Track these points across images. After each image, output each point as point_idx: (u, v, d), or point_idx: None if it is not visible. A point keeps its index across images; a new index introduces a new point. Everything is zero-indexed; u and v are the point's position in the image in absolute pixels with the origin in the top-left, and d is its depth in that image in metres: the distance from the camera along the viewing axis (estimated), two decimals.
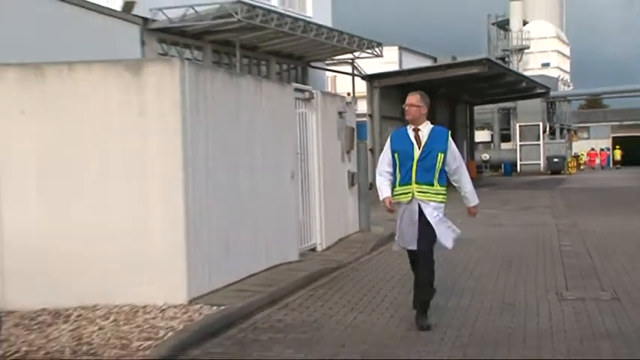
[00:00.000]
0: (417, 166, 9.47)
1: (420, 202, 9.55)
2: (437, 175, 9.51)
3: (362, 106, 35.69)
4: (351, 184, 18.65)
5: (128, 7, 24.89)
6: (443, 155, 9.52)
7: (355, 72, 40.06)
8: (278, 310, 11.10)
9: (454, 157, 9.76)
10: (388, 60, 42.20)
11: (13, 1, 16.26)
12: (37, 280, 10.63)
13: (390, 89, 40.43)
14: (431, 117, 41.57)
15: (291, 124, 14.96)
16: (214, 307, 10.55)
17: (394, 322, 10.31)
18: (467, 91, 49.22)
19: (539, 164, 65.27)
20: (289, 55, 36.36)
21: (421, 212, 9.59)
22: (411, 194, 9.54)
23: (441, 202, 9.82)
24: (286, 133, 14.59)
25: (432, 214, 9.58)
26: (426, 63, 49.89)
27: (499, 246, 17.93)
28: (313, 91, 17.30)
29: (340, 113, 18.04)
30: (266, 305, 11.21)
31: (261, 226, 13.07)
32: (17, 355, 8.80)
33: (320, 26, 34.54)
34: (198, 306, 10.65)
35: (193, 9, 28.53)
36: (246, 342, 9.43)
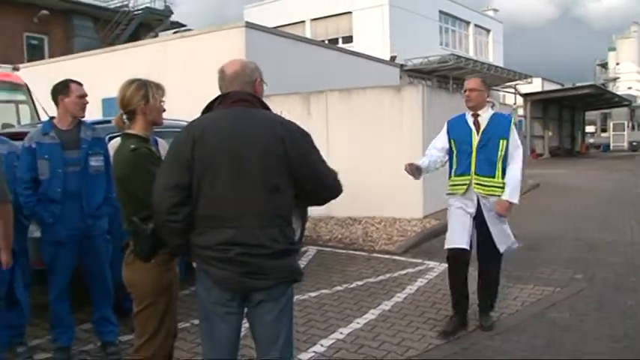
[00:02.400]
0: (476, 154, 5.06)
1: (479, 197, 5.02)
2: (499, 166, 5.02)
3: (520, 111, 35.03)
4: None
5: (392, 58, 24.91)
6: (505, 142, 5.04)
7: (516, 92, 38.22)
8: None
9: (516, 145, 5.12)
10: (535, 85, 40.12)
11: (338, 58, 16.48)
12: (346, 202, 10.74)
13: (536, 102, 38.74)
14: (559, 118, 38.53)
15: None
16: (437, 221, 10.27)
17: (542, 232, 9.81)
18: (581, 102, 45.71)
19: (624, 145, 60.46)
20: None
21: (479, 209, 5.02)
22: (467, 186, 5.04)
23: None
24: None
25: (492, 210, 5.00)
26: (557, 87, 46.76)
27: (599, 191, 16.59)
28: (494, 101, 16.69)
29: (509, 115, 17.26)
30: None
31: None
32: (336, 239, 9.10)
33: (496, 66, 33.21)
34: (428, 219, 10.45)
35: (427, 59, 28.21)
36: None
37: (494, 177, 4.95)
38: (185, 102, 6.61)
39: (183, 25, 26.90)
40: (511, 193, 4.88)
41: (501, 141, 4.96)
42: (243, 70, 2.81)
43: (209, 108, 2.78)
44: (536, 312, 5.56)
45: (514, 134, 5.04)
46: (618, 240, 9.14)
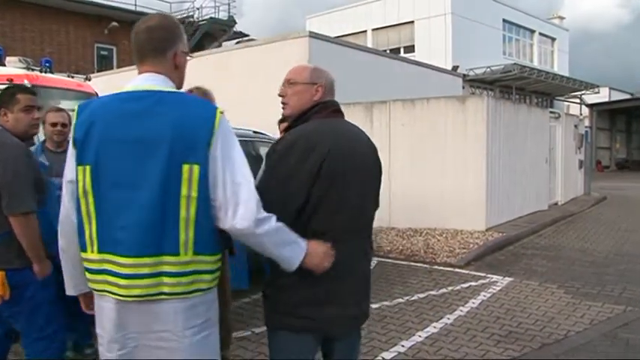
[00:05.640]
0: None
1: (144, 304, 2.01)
2: (187, 218, 1.99)
3: (586, 122, 34.09)
4: (580, 166, 17.29)
5: (455, 68, 24.56)
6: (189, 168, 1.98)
7: (582, 102, 37.17)
8: (536, 237, 10.43)
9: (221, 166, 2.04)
10: (602, 94, 38.75)
11: (399, 68, 16.33)
12: (407, 213, 10.70)
13: (602, 112, 37.91)
14: (628, 129, 37.10)
15: (546, 131, 13.93)
16: (500, 233, 10.08)
17: (610, 247, 9.46)
18: None
19: None
20: (542, 92, 34.24)
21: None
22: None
23: (208, 289, 2.09)
24: (543, 136, 13.64)
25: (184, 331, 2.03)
26: (625, 96, 45.13)
27: None
28: (560, 112, 16.26)
29: (575, 126, 16.76)
30: (529, 234, 10.54)
31: (526, 188, 12.37)
32: (397, 250, 8.97)
33: (561, 76, 32.39)
34: (491, 232, 10.18)
35: (489, 68, 27.78)
36: (518, 254, 8.96)
37: (178, 254, 2.01)
38: (248, 111, 6.67)
39: (247, 35, 27.31)
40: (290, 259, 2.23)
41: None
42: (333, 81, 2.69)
43: (305, 116, 2.57)
44: (607, 331, 5.31)
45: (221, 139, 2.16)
46: None
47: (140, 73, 2.14)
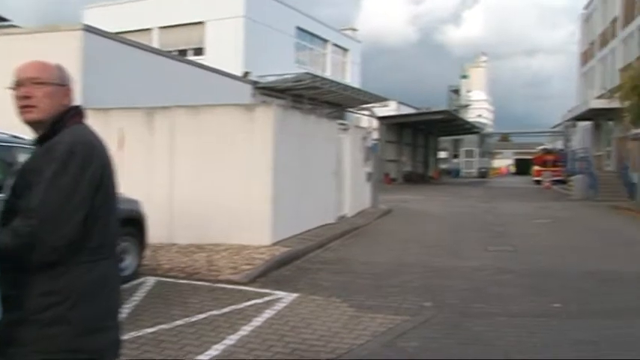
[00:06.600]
0: None
1: None
2: None
3: (375, 134, 36.37)
4: (368, 179, 18.45)
5: (245, 75, 24.99)
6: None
7: (372, 114, 39.78)
8: (323, 251, 10.94)
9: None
10: (391, 108, 42.00)
11: (186, 71, 16.20)
12: (189, 228, 10.60)
13: (391, 125, 40.93)
14: (414, 143, 40.41)
15: (334, 143, 14.71)
16: (286, 248, 10.37)
17: (392, 259, 10.24)
18: (435, 128, 48.71)
19: (474, 171, 65.60)
20: (334, 103, 35.97)
21: None
22: None
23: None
24: (331, 148, 14.38)
25: None
26: (412, 111, 49.24)
27: (449, 218, 17.75)
28: (348, 124, 17.24)
29: (363, 138, 17.89)
30: (316, 248, 11.03)
31: (315, 201, 12.92)
32: (177, 268, 8.84)
33: (353, 88, 34.34)
34: (277, 247, 10.44)
35: (281, 76, 28.59)
36: (305, 269, 9.32)
37: None
38: (6, 109, 6.14)
39: (8, 20, 25.16)
40: None
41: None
42: None
43: (61, 121, 2.39)
44: (387, 341, 5.73)
45: None
46: (466, 266, 9.74)
47: None
